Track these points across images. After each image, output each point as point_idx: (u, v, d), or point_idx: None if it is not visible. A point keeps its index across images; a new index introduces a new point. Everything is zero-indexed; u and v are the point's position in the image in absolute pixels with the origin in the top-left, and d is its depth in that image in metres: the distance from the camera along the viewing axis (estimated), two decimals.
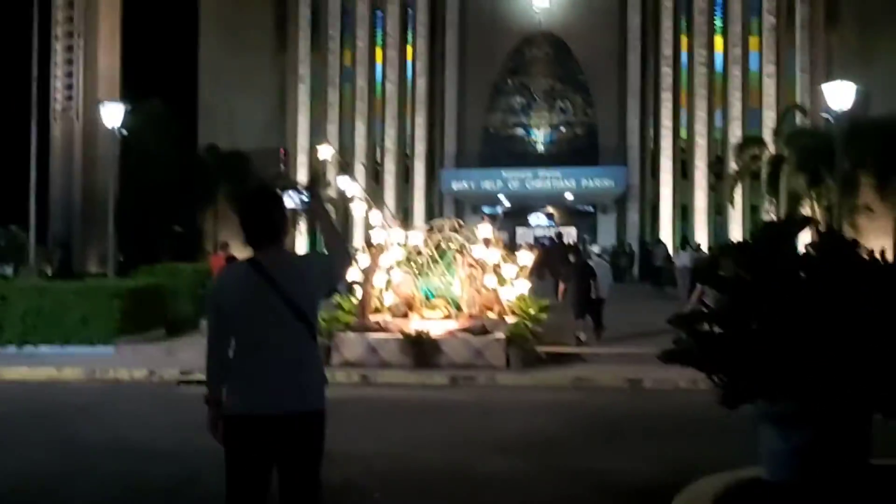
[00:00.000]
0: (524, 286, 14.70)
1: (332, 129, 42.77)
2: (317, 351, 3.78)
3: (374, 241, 14.91)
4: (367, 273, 14.13)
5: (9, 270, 31.87)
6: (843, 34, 40.58)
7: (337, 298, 14.51)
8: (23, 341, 14.70)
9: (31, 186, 24.91)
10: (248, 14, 43.39)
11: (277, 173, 41.68)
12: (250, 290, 3.63)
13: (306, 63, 43.27)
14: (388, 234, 14.87)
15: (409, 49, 42.74)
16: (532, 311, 14.31)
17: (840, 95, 14.27)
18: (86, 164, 39.70)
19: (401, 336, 13.43)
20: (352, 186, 16.39)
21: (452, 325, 13.91)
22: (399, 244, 14.82)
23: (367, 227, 16.63)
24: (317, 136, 42.44)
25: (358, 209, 16.03)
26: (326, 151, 16.29)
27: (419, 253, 14.91)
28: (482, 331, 13.61)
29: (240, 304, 3.65)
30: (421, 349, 13.24)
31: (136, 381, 12.65)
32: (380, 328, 13.75)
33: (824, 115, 15.26)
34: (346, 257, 3.94)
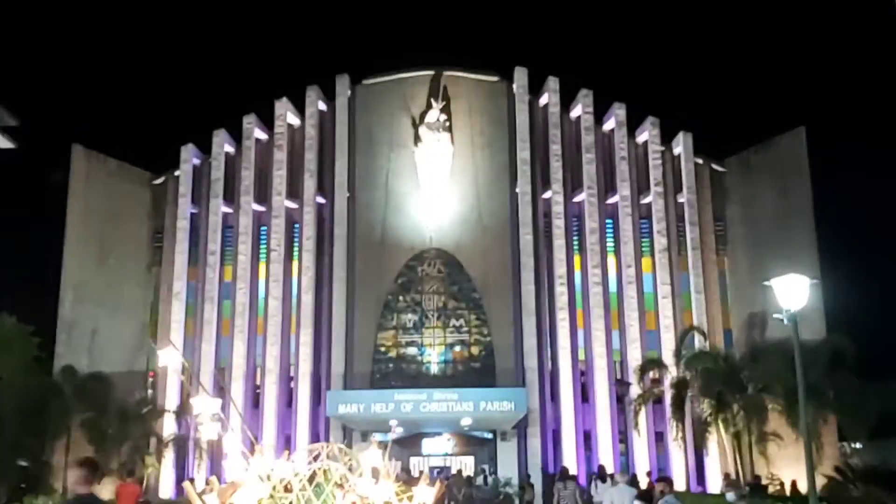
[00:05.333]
0: None
1: (208, 348, 39.40)
2: None
3: (228, 474, 11.56)
4: None
5: None
6: (733, 256, 40.93)
7: None
8: None
9: None
10: (122, 225, 41.00)
11: (143, 398, 37.68)
12: None
13: (182, 278, 40.45)
14: (247, 464, 11.57)
15: (296, 263, 40.67)
16: None
17: (794, 291, 12.26)
18: None
19: None
20: (201, 403, 13.15)
21: None
22: (261, 477, 11.47)
23: (217, 452, 13.32)
24: (190, 356, 38.97)
25: (209, 433, 12.70)
26: (169, 357, 13.12)
27: (288, 489, 11.57)
28: None
29: None
30: None
31: None
32: None
33: (776, 315, 13.27)
34: None
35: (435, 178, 40.10)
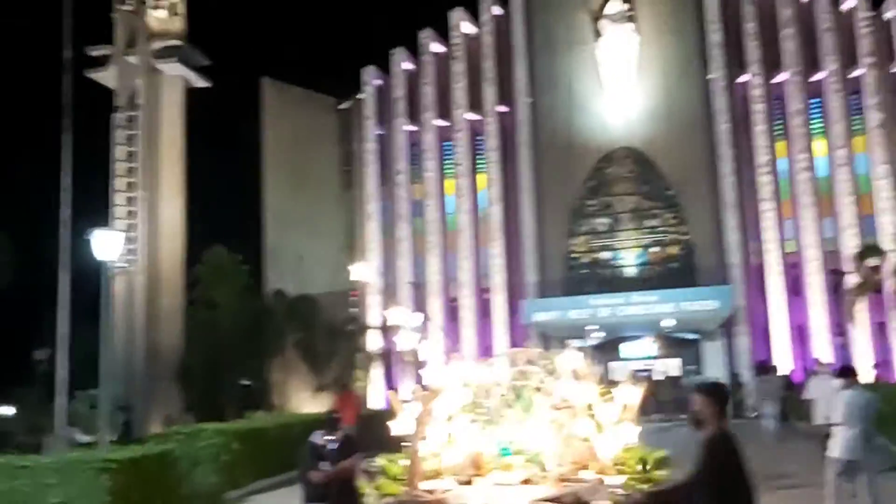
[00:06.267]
0: (630, 432, 10.79)
1: (404, 265, 40.20)
2: None
3: (428, 381, 11.35)
4: (419, 425, 10.47)
5: (85, 438, 29.39)
6: None
7: (382, 460, 10.89)
8: None
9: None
10: (313, 154, 42.16)
11: (348, 316, 39.14)
12: None
13: (375, 199, 41.31)
14: (448, 370, 11.31)
15: (481, 176, 40.42)
16: (644, 468, 10.35)
17: None
18: (149, 319, 37.71)
19: None
20: (399, 317, 13.10)
21: (536, 491, 10.02)
22: (463, 384, 11.19)
23: (418, 363, 13.22)
24: (388, 273, 39.93)
25: (409, 344, 12.60)
26: (362, 272, 13.08)
27: (488, 394, 11.22)
28: (576, 500, 9.69)
29: None
30: None
31: None
32: (436, 501, 9.98)
33: None
34: None
35: (619, 73, 38.34)
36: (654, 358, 38.42)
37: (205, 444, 14.59)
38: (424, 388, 11.70)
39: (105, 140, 38.81)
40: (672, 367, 37.24)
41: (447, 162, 41.38)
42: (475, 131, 40.87)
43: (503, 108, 40.46)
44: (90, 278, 22.93)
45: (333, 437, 8.21)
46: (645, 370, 36.73)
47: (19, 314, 36.40)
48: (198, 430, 15.51)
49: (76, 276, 23.34)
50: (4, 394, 34.37)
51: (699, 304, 34.55)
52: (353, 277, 14.24)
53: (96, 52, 39.85)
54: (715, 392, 5.32)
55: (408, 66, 42.16)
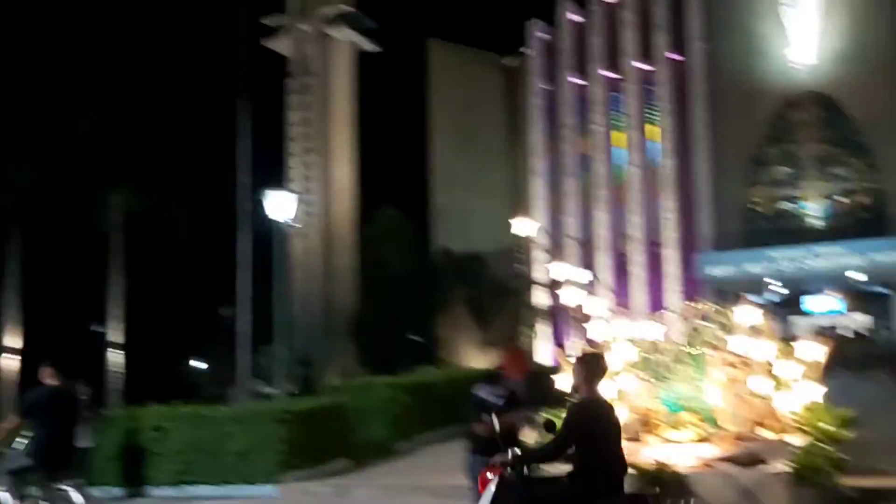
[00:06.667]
0: (813, 390, 10.17)
1: (572, 221, 39.64)
2: None
3: (595, 336, 11.10)
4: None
5: (271, 390, 31.20)
6: None
7: (546, 415, 10.73)
8: (179, 481, 12.30)
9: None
10: (479, 111, 42.12)
11: (514, 274, 39.12)
12: None
13: (541, 155, 40.86)
14: (614, 327, 11.01)
15: (652, 128, 39.05)
16: (829, 427, 9.74)
17: None
18: (325, 277, 39.24)
19: (633, 470, 9.31)
20: (563, 272, 12.84)
21: (708, 451, 9.65)
22: (630, 340, 10.90)
23: (584, 318, 12.90)
24: (555, 230, 39.52)
25: (573, 300, 12.34)
26: (526, 226, 12.87)
27: (658, 350, 10.88)
28: (753, 460, 9.23)
29: None
30: (663, 489, 9.08)
31: None
32: None
33: None
34: None
35: (803, 12, 35.91)
36: (841, 313, 36.23)
37: (376, 397, 14.97)
38: (591, 344, 11.47)
39: (276, 106, 40.38)
40: (860, 323, 34.98)
41: (615, 114, 40.28)
42: (647, 81, 39.51)
43: (676, 56, 38.82)
44: (274, 239, 24.04)
45: (499, 392, 8.16)
46: (830, 326, 34.71)
47: (208, 273, 38.62)
48: (369, 383, 15.95)
49: (262, 237, 24.51)
50: (197, 349, 36.82)
51: (891, 255, 32.23)
52: (517, 233, 14.18)
53: (271, 21, 41.36)
54: (585, 361, 5.97)
55: (574, 17, 41.15)
